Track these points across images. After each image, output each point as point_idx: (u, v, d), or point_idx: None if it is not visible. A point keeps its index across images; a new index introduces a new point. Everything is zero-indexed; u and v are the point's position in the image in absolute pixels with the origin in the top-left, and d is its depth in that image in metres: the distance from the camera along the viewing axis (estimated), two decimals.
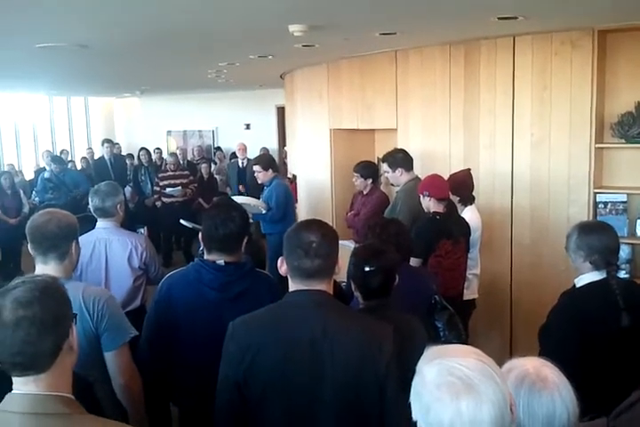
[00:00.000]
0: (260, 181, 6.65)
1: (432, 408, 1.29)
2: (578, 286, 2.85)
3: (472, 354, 1.35)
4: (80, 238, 2.82)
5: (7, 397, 1.55)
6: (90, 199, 3.86)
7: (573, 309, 2.74)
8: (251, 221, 6.31)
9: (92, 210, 3.85)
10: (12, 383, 1.57)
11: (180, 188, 9.38)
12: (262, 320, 2.14)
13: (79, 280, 3.40)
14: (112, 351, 2.64)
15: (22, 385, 1.55)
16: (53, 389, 1.56)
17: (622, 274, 4.27)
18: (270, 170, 6.49)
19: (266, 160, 6.73)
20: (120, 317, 2.73)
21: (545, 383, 1.58)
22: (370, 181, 5.72)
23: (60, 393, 1.56)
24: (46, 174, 9.21)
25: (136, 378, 2.68)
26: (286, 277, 2.17)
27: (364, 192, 5.78)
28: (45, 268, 2.64)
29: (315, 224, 2.20)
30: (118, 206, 3.86)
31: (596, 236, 2.79)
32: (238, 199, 6.55)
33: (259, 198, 6.78)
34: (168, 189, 9.38)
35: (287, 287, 2.18)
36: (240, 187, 10.15)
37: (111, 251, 3.77)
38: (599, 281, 2.76)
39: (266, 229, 6.54)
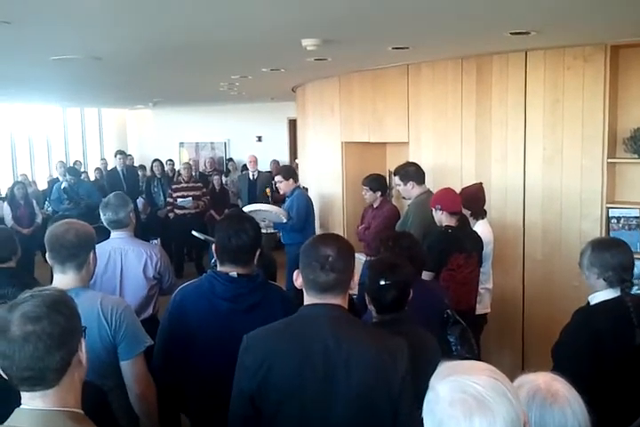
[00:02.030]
0: (281, 192, 6.71)
1: (444, 425, 1.28)
2: (592, 303, 2.82)
3: (485, 371, 1.34)
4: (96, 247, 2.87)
5: (15, 412, 1.54)
6: (102, 213, 3.87)
7: (587, 327, 2.72)
8: (273, 230, 6.35)
9: (105, 223, 3.87)
10: (20, 398, 1.56)
11: (190, 199, 9.42)
12: (277, 333, 2.14)
13: (94, 289, 3.43)
14: (129, 360, 2.66)
15: (30, 400, 1.54)
16: (62, 404, 1.55)
17: (635, 290, 4.24)
18: (291, 180, 6.54)
19: (287, 170, 6.79)
20: (137, 326, 2.76)
21: (556, 398, 1.57)
22: (379, 193, 5.73)
23: (68, 409, 1.55)
24: (64, 184, 9.26)
25: (151, 387, 2.69)
26: (302, 289, 2.17)
27: (375, 205, 5.79)
28: (64, 277, 2.67)
29: (331, 238, 2.21)
30: (131, 215, 3.91)
31: (610, 252, 2.77)
32: (261, 206, 6.58)
33: None
34: (179, 200, 9.42)
35: (302, 300, 2.18)
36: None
37: (127, 261, 3.80)
38: (614, 299, 2.74)
39: (285, 240, 6.56)
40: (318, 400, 2.04)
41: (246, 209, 6.46)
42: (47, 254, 2.71)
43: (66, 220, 2.86)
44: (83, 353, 1.62)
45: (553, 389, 1.59)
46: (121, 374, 2.65)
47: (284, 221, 6.36)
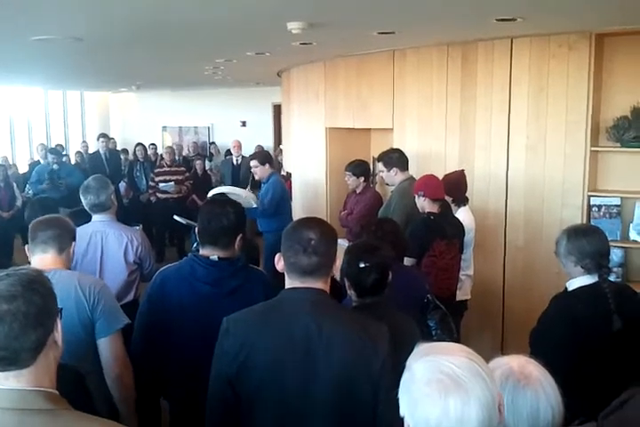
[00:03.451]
0: (257, 177, 6.61)
1: (419, 405, 1.29)
2: (569, 289, 2.84)
3: (462, 352, 1.35)
4: (77, 230, 2.90)
5: None
6: (82, 197, 3.84)
7: (565, 313, 2.73)
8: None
9: (87, 207, 3.84)
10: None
11: (172, 183, 9.36)
12: (257, 317, 2.13)
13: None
14: (106, 337, 2.67)
15: (4, 380, 1.51)
16: (37, 384, 1.53)
17: (614, 278, 4.29)
18: (267, 165, 6.46)
19: (262, 155, 6.71)
20: (114, 304, 2.79)
21: (529, 380, 1.59)
22: (362, 179, 5.72)
23: (43, 388, 1.53)
24: (54, 166, 9.10)
25: (128, 368, 2.70)
26: (282, 273, 2.16)
27: (357, 191, 5.79)
28: (45, 256, 2.72)
29: (314, 222, 2.20)
30: (112, 197, 3.89)
31: (586, 240, 2.77)
32: (229, 189, 6.48)
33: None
34: (161, 185, 9.36)
35: (283, 284, 2.17)
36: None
37: (107, 243, 3.78)
38: (591, 285, 2.75)
39: (262, 227, 6.50)
40: (298, 385, 2.04)
41: (214, 191, 6.33)
42: (30, 236, 2.75)
43: (49, 217, 2.92)
44: (59, 333, 1.60)
45: (526, 371, 1.61)
46: (99, 358, 2.64)
47: (254, 206, 6.27)
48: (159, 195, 9.43)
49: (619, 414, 1.57)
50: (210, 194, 6.01)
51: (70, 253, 2.81)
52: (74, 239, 2.86)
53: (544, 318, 2.81)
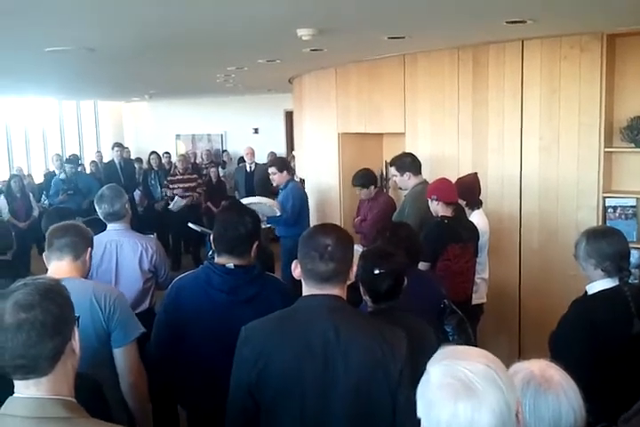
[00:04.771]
0: (275, 184, 6.64)
1: (432, 408, 1.30)
2: (590, 293, 2.80)
3: (480, 358, 1.34)
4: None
5: (8, 400, 1.54)
6: (97, 206, 3.87)
7: (583, 317, 2.71)
8: (266, 225, 6.32)
9: (102, 216, 3.87)
10: (13, 387, 1.55)
11: (180, 199, 9.44)
12: (275, 324, 2.13)
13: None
14: (122, 347, 2.68)
15: (24, 388, 1.54)
16: (55, 392, 1.54)
17: (631, 279, 4.24)
18: (285, 172, 6.49)
19: (280, 162, 6.75)
20: (129, 313, 2.79)
21: (550, 384, 1.58)
22: (372, 187, 5.73)
23: (61, 397, 1.55)
24: (62, 175, 9.19)
25: (143, 376, 2.72)
26: (300, 280, 2.16)
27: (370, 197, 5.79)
28: (60, 264, 2.73)
29: (330, 228, 2.21)
30: (127, 206, 3.93)
31: (606, 241, 2.74)
32: (254, 199, 6.53)
33: None
34: (171, 204, 9.44)
35: (301, 291, 2.17)
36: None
37: (122, 252, 3.80)
38: (612, 288, 2.72)
39: (280, 232, 6.52)
40: (316, 392, 2.03)
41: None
42: (46, 243, 2.77)
43: (70, 222, 2.95)
44: (76, 342, 1.62)
45: (547, 375, 1.60)
46: (113, 366, 2.65)
47: (278, 214, 6.31)
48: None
49: (639, 418, 1.56)
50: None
51: (87, 259, 2.83)
52: (90, 246, 2.87)
53: (563, 322, 2.79)
